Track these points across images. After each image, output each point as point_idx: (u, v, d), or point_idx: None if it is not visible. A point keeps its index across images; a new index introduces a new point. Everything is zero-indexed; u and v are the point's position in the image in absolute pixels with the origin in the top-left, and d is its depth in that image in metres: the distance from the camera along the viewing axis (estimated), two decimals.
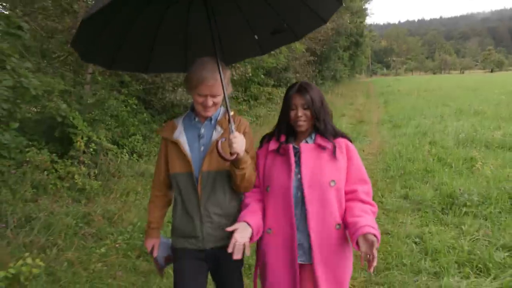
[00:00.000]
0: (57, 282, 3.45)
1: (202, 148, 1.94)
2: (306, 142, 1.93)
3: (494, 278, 3.09)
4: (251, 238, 1.80)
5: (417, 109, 14.95)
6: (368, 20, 51.30)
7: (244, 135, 1.91)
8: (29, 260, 3.23)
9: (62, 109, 5.25)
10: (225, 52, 2.24)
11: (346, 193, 1.89)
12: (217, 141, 1.81)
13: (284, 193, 1.85)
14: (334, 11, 2.14)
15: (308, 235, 1.82)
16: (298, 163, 1.87)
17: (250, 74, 9.94)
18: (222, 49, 2.21)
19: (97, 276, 3.55)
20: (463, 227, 4.06)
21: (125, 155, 6.98)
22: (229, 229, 1.76)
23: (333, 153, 1.85)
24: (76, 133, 6.27)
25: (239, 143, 1.77)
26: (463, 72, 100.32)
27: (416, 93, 23.81)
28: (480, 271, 3.22)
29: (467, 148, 7.38)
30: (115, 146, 6.94)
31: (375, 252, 1.61)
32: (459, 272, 3.22)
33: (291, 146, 1.91)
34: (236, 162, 1.80)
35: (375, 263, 1.62)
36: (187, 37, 2.23)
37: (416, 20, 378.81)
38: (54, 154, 5.99)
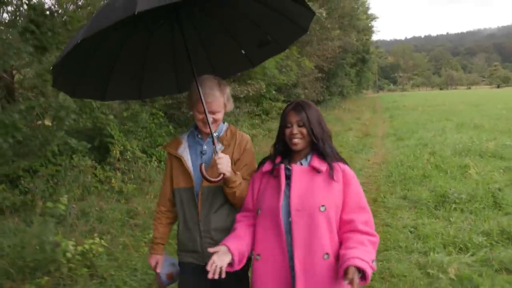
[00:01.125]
0: (115, 260, 4.23)
1: (204, 165, 1.94)
2: (301, 164, 1.86)
3: (472, 255, 3.83)
4: (231, 265, 1.73)
5: (421, 123, 15.70)
6: (374, 37, 52.35)
7: (245, 151, 1.99)
8: (96, 240, 4.05)
9: (110, 119, 6.07)
10: (216, 68, 2.31)
11: (344, 223, 1.77)
12: (200, 164, 1.84)
13: (273, 216, 1.77)
14: (311, 19, 2.17)
15: (293, 262, 1.72)
16: (289, 185, 1.79)
17: (264, 91, 10.80)
18: (213, 66, 2.34)
19: (146, 257, 4.34)
20: (451, 219, 4.81)
21: (154, 162, 7.82)
22: (211, 250, 1.71)
23: (330, 175, 1.77)
24: (113, 142, 7.16)
25: (225, 163, 1.80)
26: (469, 88, 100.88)
27: (421, 108, 24.56)
28: (461, 250, 3.97)
29: (462, 157, 8.13)
30: (145, 155, 7.82)
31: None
32: (444, 250, 3.97)
33: (283, 166, 1.84)
34: (224, 182, 1.85)
35: None
36: (175, 59, 2.31)
37: (422, 36, 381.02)
38: (93, 161, 6.85)
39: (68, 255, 3.73)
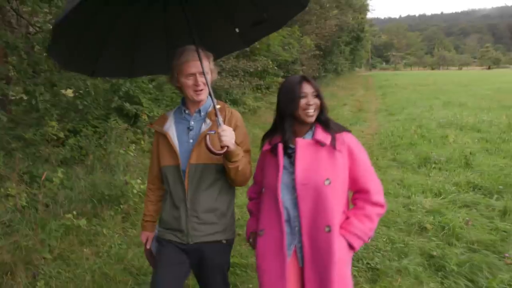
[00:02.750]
0: None
1: (191, 141, 1.93)
2: (303, 138, 1.85)
3: (443, 198, 4.99)
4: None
5: (411, 101, 16.83)
6: (369, 15, 52.76)
7: (236, 129, 1.90)
8: None
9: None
10: (208, 49, 2.16)
11: (359, 190, 1.85)
12: (205, 135, 1.78)
13: (273, 194, 1.82)
14: None
15: (301, 236, 1.78)
16: (293, 161, 1.80)
17: (270, 67, 11.78)
18: (205, 46, 2.15)
19: None
20: (430, 175, 5.98)
21: None
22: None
23: (333, 145, 1.78)
24: (142, 109, 8.17)
25: (228, 136, 1.73)
26: (461, 69, 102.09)
27: (412, 87, 25.69)
28: (436, 195, 5.13)
29: (445, 129, 9.30)
30: None
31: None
32: (423, 195, 5.13)
33: (280, 145, 1.84)
34: (227, 156, 1.78)
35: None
36: (167, 36, 2.21)
37: (417, 15, 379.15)
38: (126, 124, 7.87)
39: (134, 191, 4.82)
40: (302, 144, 1.81)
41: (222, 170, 1.92)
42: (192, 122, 1.96)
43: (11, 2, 5.80)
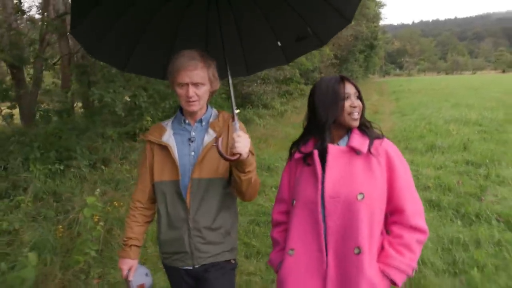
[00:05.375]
0: None
1: (192, 154, 1.77)
2: (337, 144, 1.65)
3: (443, 169, 6.57)
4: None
5: (423, 103, 18.32)
6: (381, 23, 54.08)
7: None
8: None
9: None
10: (248, 61, 2.15)
11: (393, 211, 1.61)
12: (217, 138, 1.66)
13: (310, 208, 1.60)
14: (357, 7, 1.99)
15: (327, 255, 1.57)
16: (324, 169, 1.60)
17: (297, 75, 13.48)
18: (244, 58, 2.14)
19: None
20: (434, 156, 7.57)
21: None
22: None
23: (371, 152, 1.58)
24: None
25: (243, 142, 1.56)
26: (474, 73, 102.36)
27: (424, 91, 27.09)
28: (438, 168, 6.72)
29: (450, 124, 10.85)
30: None
31: None
32: (427, 168, 6.73)
33: (316, 152, 1.63)
34: (239, 165, 1.61)
35: None
36: (206, 43, 2.10)
37: (430, 20, 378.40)
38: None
39: None
40: (335, 151, 1.61)
41: (226, 185, 1.79)
42: (193, 133, 1.81)
43: None
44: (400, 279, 1.53)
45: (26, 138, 5.50)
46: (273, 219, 1.84)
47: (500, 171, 6.05)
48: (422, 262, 3.50)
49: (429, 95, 23.98)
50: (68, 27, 6.59)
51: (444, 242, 3.92)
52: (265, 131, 11.18)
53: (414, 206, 1.60)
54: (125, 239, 1.90)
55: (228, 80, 1.82)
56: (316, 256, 1.58)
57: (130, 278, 1.87)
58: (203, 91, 1.73)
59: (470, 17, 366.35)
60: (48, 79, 10.48)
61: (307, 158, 1.68)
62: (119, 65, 2.10)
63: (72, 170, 5.57)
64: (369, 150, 1.58)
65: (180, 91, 1.72)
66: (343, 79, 1.66)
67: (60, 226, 3.99)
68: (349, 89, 1.65)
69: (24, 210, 4.19)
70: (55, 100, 8.01)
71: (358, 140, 1.62)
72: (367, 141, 1.61)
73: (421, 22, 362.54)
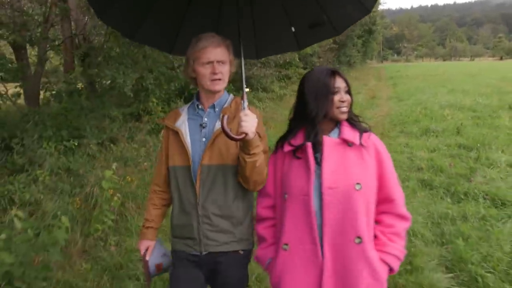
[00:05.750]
0: None
1: (203, 140, 1.76)
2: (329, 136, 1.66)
3: (436, 152, 6.89)
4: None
5: (419, 89, 18.59)
6: (380, 7, 53.83)
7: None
8: None
9: None
10: (258, 44, 2.09)
11: (384, 200, 1.66)
12: (222, 116, 1.60)
13: (303, 201, 1.60)
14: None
15: (322, 247, 1.58)
16: (319, 161, 1.61)
17: (296, 60, 13.68)
18: (255, 41, 2.09)
19: None
20: (429, 140, 7.88)
21: None
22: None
23: (361, 144, 1.62)
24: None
25: (250, 121, 1.55)
26: (473, 60, 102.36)
27: (422, 77, 27.32)
28: (431, 151, 7.03)
29: (445, 109, 11.14)
30: None
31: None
32: (421, 150, 7.04)
33: (309, 144, 1.63)
34: (245, 145, 1.59)
35: None
36: (218, 21, 2.06)
37: (429, 5, 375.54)
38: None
39: None
40: (330, 143, 1.63)
41: (238, 172, 1.74)
42: (206, 119, 1.80)
43: None
44: (397, 265, 1.62)
45: (39, 117, 5.73)
46: (257, 214, 1.83)
47: (490, 154, 6.36)
48: (413, 234, 3.83)
49: (426, 81, 24.22)
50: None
51: (434, 217, 4.25)
52: (264, 114, 11.44)
53: (401, 196, 1.69)
54: (144, 221, 1.96)
55: (241, 61, 1.81)
56: (311, 249, 1.60)
57: (148, 258, 1.90)
58: (226, 70, 1.75)
59: (469, 2, 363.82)
60: (54, 60, 10.63)
61: (297, 151, 1.68)
62: (128, 33, 2.08)
63: (82, 148, 5.83)
64: (360, 142, 1.63)
65: (204, 70, 1.71)
66: (334, 73, 1.67)
67: (77, 198, 4.27)
68: (340, 83, 1.66)
69: (42, 184, 4.46)
70: (62, 81, 8.19)
71: (350, 132, 1.66)
72: (357, 134, 1.66)
73: (420, 7, 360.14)
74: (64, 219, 2.80)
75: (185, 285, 1.79)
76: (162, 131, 1.89)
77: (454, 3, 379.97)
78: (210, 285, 1.86)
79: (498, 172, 5.57)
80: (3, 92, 5.98)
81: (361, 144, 1.63)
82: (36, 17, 7.97)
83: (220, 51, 1.71)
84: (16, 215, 2.70)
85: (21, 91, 6.90)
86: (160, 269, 1.93)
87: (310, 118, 1.65)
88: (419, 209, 4.48)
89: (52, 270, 2.96)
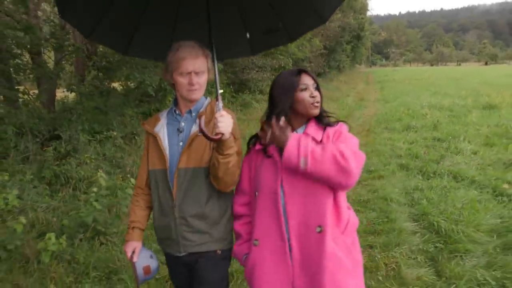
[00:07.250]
0: None
1: (180, 144, 1.82)
2: (296, 132, 1.71)
3: (414, 144, 7.99)
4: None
5: (405, 92, 19.87)
6: (369, 13, 55.43)
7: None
8: None
9: None
10: (216, 48, 1.98)
11: None
12: (199, 116, 1.68)
13: (271, 198, 1.67)
14: (336, 9, 1.95)
15: (290, 240, 1.63)
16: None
17: (289, 65, 14.76)
18: (214, 44, 1.96)
19: None
20: (409, 135, 9.01)
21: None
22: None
23: (320, 138, 1.65)
24: None
25: (226, 122, 1.59)
26: (459, 64, 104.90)
27: (408, 81, 28.69)
28: (410, 143, 8.14)
29: (425, 109, 12.32)
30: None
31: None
32: (402, 143, 8.14)
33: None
34: (220, 146, 1.63)
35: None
36: (176, 23, 2.06)
37: (416, 11, 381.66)
38: None
39: None
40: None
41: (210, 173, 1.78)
42: (183, 123, 1.85)
43: None
44: (289, 145, 1.55)
45: (78, 112, 6.72)
46: (234, 211, 1.89)
47: (458, 145, 7.48)
48: (390, 200, 4.90)
49: (412, 84, 25.55)
50: None
51: (407, 189, 5.33)
52: (262, 113, 12.43)
53: (349, 148, 1.57)
54: (129, 223, 1.99)
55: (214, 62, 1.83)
56: (280, 245, 1.65)
57: (135, 260, 1.89)
58: (204, 80, 1.79)
59: (456, 9, 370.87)
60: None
61: (267, 150, 1.74)
62: (121, 48, 2.11)
63: (110, 140, 6.81)
64: (321, 139, 1.65)
65: (182, 80, 1.75)
66: (300, 72, 1.73)
67: (121, 176, 5.26)
68: (307, 80, 1.70)
69: (89, 166, 5.44)
70: (80, 83, 9.11)
71: (314, 128, 1.70)
72: (321, 131, 1.69)
73: (408, 13, 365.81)
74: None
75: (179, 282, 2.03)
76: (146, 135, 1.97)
77: (441, 9, 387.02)
78: (191, 285, 1.93)
79: (463, 158, 6.68)
80: (28, 95, 6.82)
81: (321, 141, 1.66)
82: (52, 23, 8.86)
83: (199, 62, 1.75)
84: (101, 176, 3.69)
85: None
86: (148, 272, 1.92)
87: (277, 114, 1.68)
88: (397, 184, 5.56)
89: (121, 218, 3.95)
